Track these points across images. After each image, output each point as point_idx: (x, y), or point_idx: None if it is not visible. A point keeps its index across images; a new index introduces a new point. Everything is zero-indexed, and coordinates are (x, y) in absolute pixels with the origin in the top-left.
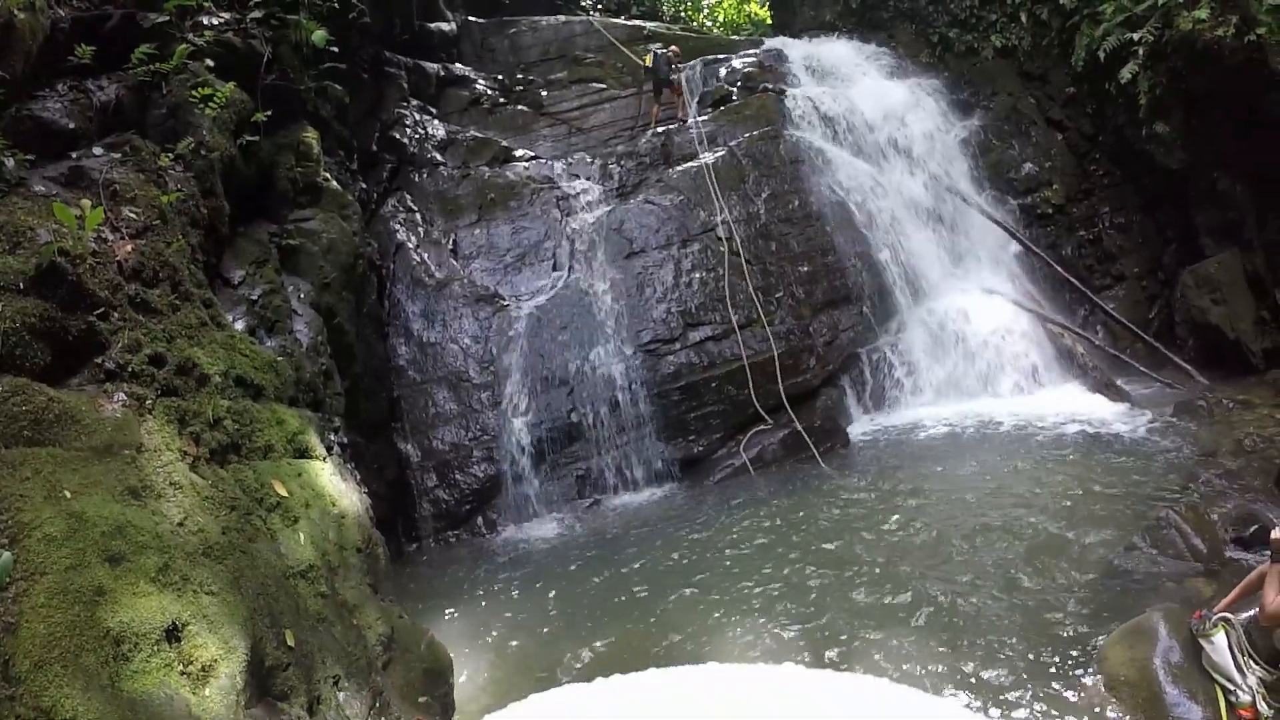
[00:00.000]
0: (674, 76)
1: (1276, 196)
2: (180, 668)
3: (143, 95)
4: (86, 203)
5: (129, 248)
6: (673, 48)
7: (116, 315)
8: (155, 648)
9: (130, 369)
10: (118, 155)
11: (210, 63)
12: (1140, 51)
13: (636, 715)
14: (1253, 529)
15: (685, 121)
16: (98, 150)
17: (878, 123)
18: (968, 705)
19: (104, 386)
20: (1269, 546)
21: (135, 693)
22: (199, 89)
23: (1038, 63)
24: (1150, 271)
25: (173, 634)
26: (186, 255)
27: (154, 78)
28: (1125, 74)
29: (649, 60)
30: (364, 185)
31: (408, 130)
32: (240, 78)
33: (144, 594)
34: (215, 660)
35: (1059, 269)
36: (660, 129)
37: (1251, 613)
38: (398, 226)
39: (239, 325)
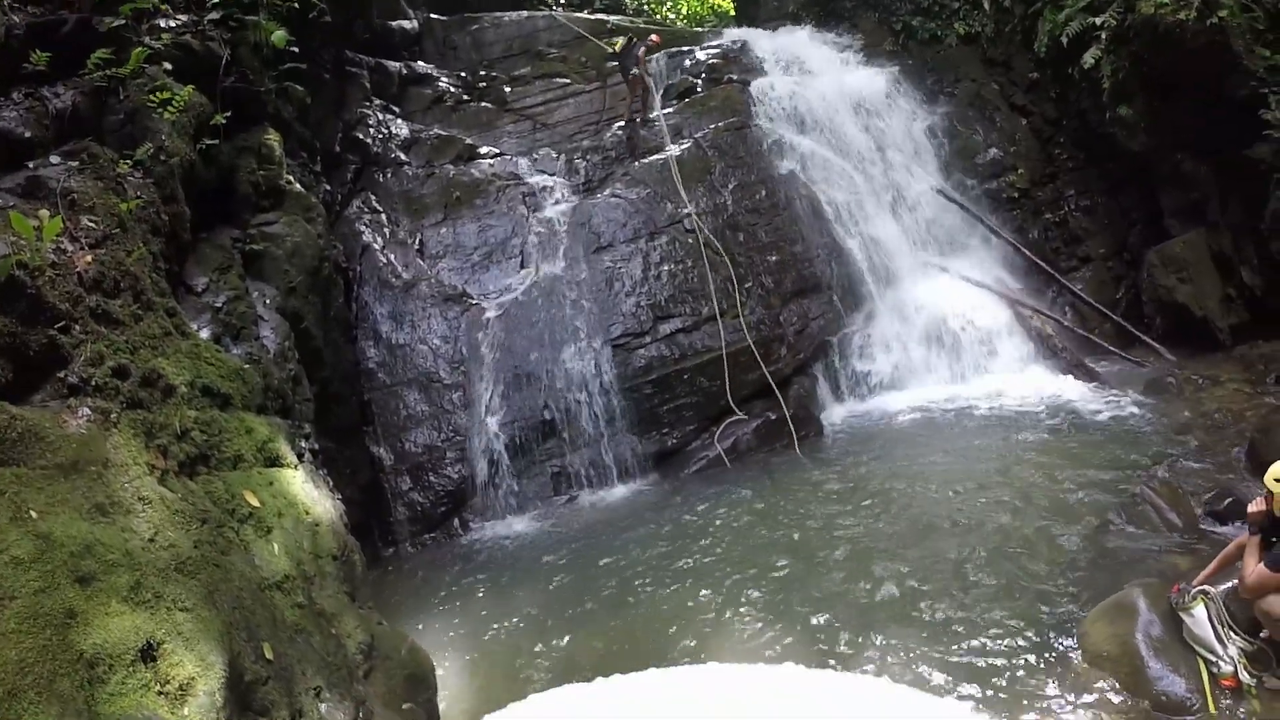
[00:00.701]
0: (634, 70)
1: (1239, 177)
2: (157, 688)
3: (100, 101)
4: (44, 213)
5: (89, 258)
6: (652, 37)
7: (78, 328)
8: (131, 668)
9: (94, 382)
10: (75, 163)
11: (168, 66)
12: (1103, 36)
13: (636, 715)
14: (1226, 502)
15: (638, 120)
16: (55, 159)
17: (843, 112)
18: (950, 685)
19: (67, 402)
20: (1246, 519)
21: (112, 716)
22: (157, 93)
23: (1001, 49)
24: (1116, 253)
25: (148, 653)
26: (148, 264)
27: (111, 83)
28: (1088, 59)
29: (618, 45)
30: (328, 187)
31: (371, 130)
32: (199, 81)
33: (116, 614)
34: (193, 678)
35: (1026, 252)
36: (624, 123)
37: (1230, 584)
38: (363, 228)
39: (204, 333)
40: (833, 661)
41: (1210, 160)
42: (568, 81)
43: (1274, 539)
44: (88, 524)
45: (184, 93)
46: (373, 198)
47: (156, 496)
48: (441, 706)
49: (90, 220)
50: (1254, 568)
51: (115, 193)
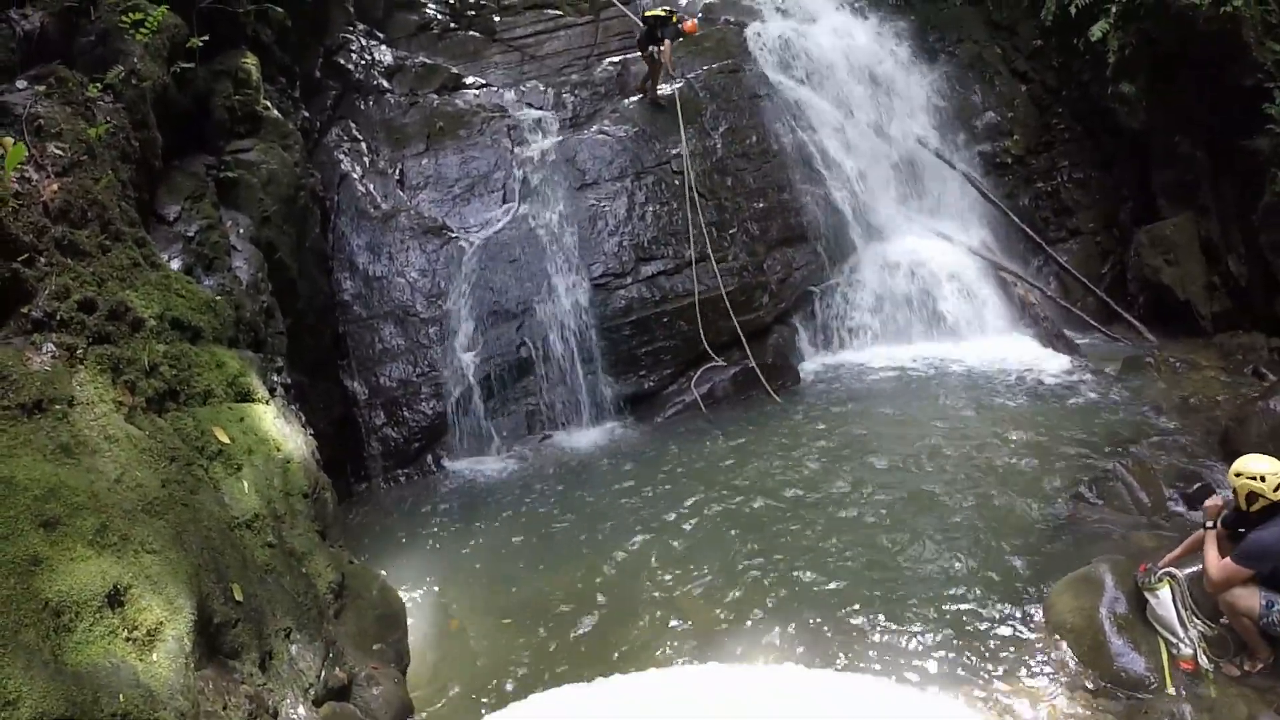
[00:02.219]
0: (658, 50)
1: (1235, 166)
2: (125, 634)
3: (69, 23)
4: (9, 140)
5: (55, 187)
6: (688, 24)
7: (43, 260)
8: (97, 615)
9: (59, 317)
10: (42, 88)
11: None
12: (1112, 10)
13: (636, 715)
14: (1196, 486)
15: (646, 95)
16: (21, 84)
17: (840, 62)
18: (911, 646)
19: (31, 338)
20: (1203, 512)
21: (80, 665)
22: (129, 14)
23: (1007, 13)
24: (1105, 228)
25: (115, 599)
26: (117, 192)
27: (81, 4)
28: (1095, 31)
29: (655, 15)
30: (306, 114)
31: (353, 56)
32: (174, 1)
33: (82, 559)
34: (161, 623)
35: (1015, 219)
36: (616, 59)
37: (1195, 568)
38: (342, 156)
39: (175, 264)
40: (783, 613)
41: (1207, 144)
42: (559, 13)
43: (1240, 530)
44: (52, 466)
45: (157, 14)
46: (353, 126)
47: (124, 435)
48: (411, 647)
49: (57, 147)
50: (1217, 562)
51: (84, 118)
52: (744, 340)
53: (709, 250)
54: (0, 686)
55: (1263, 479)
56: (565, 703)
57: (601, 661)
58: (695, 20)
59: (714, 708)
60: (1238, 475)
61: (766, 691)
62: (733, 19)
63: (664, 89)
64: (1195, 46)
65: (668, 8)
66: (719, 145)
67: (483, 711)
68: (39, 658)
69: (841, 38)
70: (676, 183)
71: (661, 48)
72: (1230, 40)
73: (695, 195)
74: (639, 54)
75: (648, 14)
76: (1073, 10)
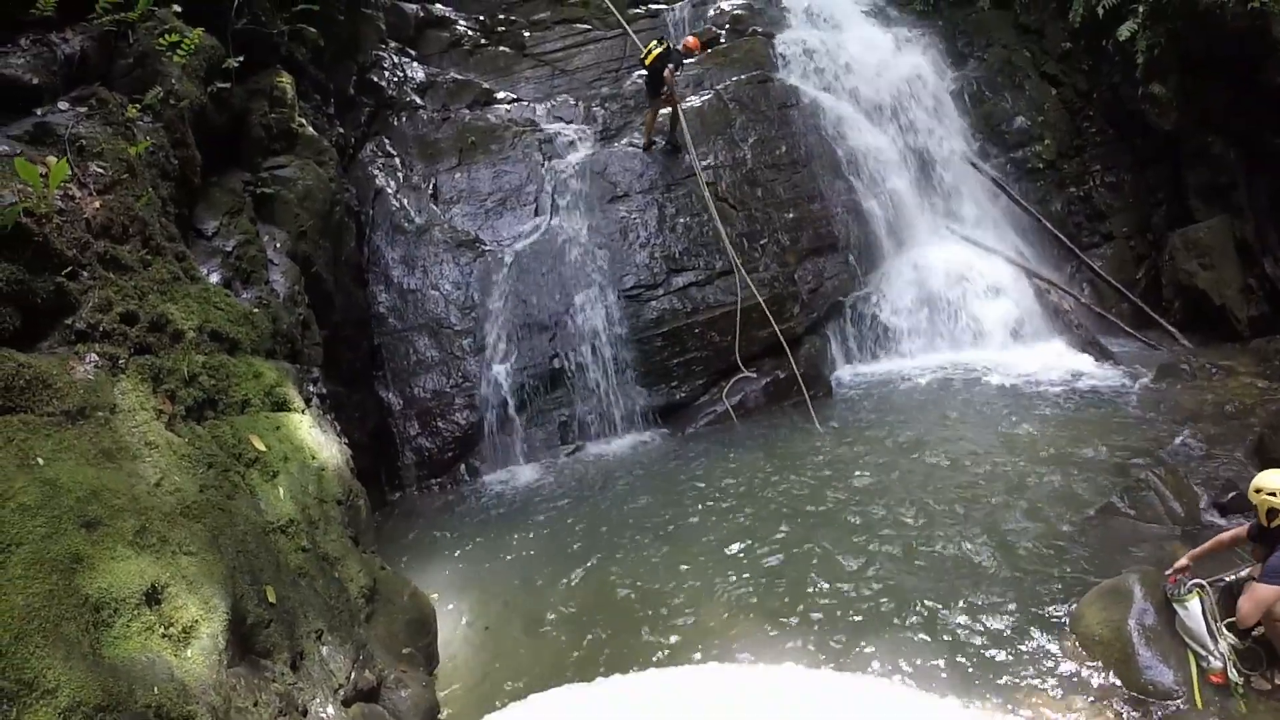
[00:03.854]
0: (665, 88)
1: (1269, 165)
2: (161, 630)
3: (108, 46)
4: (52, 159)
5: (97, 204)
6: (688, 40)
7: (86, 274)
8: (135, 612)
9: (101, 329)
10: (84, 109)
11: (178, 9)
12: (1140, 10)
13: (636, 715)
14: (1230, 495)
15: (656, 142)
16: (63, 105)
17: (869, 69)
18: (940, 657)
19: (75, 348)
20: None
21: (117, 659)
22: (167, 36)
23: (1034, 16)
24: (1139, 232)
25: (152, 597)
26: (157, 208)
27: (120, 27)
28: (1123, 32)
29: (652, 54)
30: (341, 130)
31: (386, 73)
32: (210, 23)
33: (122, 558)
34: (196, 621)
35: (1048, 225)
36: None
37: (1226, 579)
38: (376, 171)
39: (213, 278)
40: (826, 644)
41: (1240, 144)
42: (588, 27)
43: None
44: (94, 469)
45: (194, 35)
46: (386, 141)
47: (163, 441)
48: (441, 652)
49: (99, 166)
50: (1249, 604)
51: (124, 137)
52: (786, 347)
53: (741, 260)
54: (40, 676)
55: None
56: (565, 703)
57: (621, 666)
58: (694, 36)
59: (714, 708)
60: (1257, 491)
61: (766, 691)
62: (760, 29)
63: (692, 100)
64: (1224, 45)
65: (657, 41)
66: (748, 156)
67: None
68: (78, 650)
69: (870, 45)
70: (706, 194)
71: (665, 74)
72: (1259, 38)
73: (725, 207)
74: (649, 106)
75: (649, 61)
76: (1100, 11)
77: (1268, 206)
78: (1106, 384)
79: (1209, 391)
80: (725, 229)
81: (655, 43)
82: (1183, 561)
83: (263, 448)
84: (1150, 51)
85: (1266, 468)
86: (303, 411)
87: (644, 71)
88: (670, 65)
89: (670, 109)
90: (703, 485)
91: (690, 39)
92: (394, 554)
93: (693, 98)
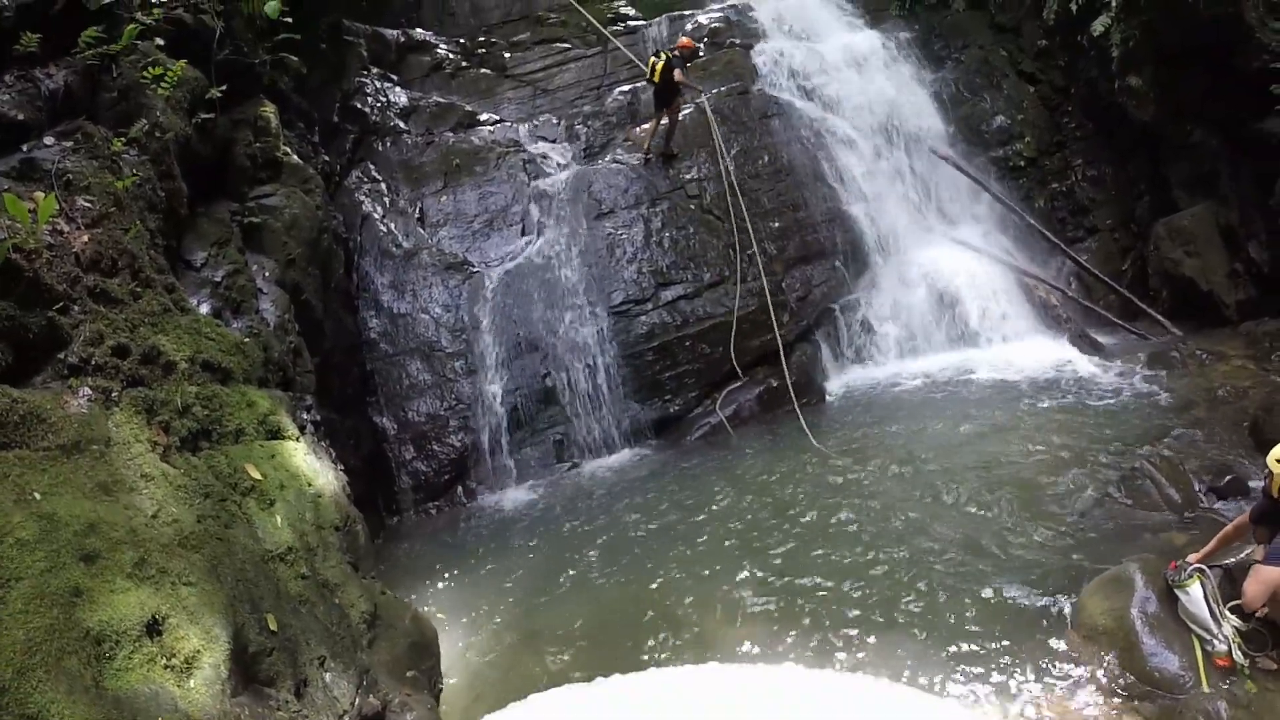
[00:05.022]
0: (680, 96)
1: (1250, 151)
2: (163, 662)
3: (92, 80)
4: (39, 194)
5: (85, 238)
6: (682, 41)
7: (77, 308)
8: (137, 644)
9: (94, 362)
10: (69, 144)
11: (160, 41)
12: (1113, 4)
13: (636, 715)
14: (1226, 479)
15: (650, 157)
16: (49, 140)
17: (846, 77)
18: (945, 654)
19: (68, 382)
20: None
21: (120, 691)
22: (150, 69)
23: (1009, 15)
24: (1123, 224)
25: (153, 628)
26: (145, 241)
27: (103, 61)
28: (1097, 26)
29: (657, 69)
30: (326, 157)
31: (369, 99)
32: (192, 55)
33: (122, 590)
34: (198, 651)
35: (1032, 221)
36: (626, 89)
37: (1227, 562)
38: (363, 197)
39: (203, 308)
40: (830, 644)
41: (1220, 132)
42: (568, 46)
43: (1270, 518)
44: (91, 503)
45: (177, 68)
46: (372, 167)
47: (159, 473)
48: (444, 674)
49: (86, 200)
50: (1255, 586)
51: (111, 171)
52: (782, 352)
53: (729, 271)
54: (43, 710)
55: None
56: (565, 703)
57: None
58: (686, 37)
59: (714, 708)
60: (1278, 461)
61: (766, 691)
62: (739, 40)
63: (688, 109)
64: (1199, 33)
65: (656, 54)
66: (731, 167)
67: None
68: (80, 683)
69: (846, 52)
70: (692, 207)
71: (677, 79)
72: (1234, 23)
73: (711, 219)
74: (654, 116)
75: (657, 75)
76: (1074, 7)
77: (1251, 191)
78: (1097, 376)
79: (1200, 377)
80: (712, 241)
81: (654, 57)
82: (1192, 559)
83: (258, 476)
84: (1125, 44)
85: (1262, 450)
86: (297, 439)
87: (649, 85)
88: (678, 69)
89: (671, 122)
90: (699, 498)
91: (684, 39)
92: (394, 578)
93: (663, 50)
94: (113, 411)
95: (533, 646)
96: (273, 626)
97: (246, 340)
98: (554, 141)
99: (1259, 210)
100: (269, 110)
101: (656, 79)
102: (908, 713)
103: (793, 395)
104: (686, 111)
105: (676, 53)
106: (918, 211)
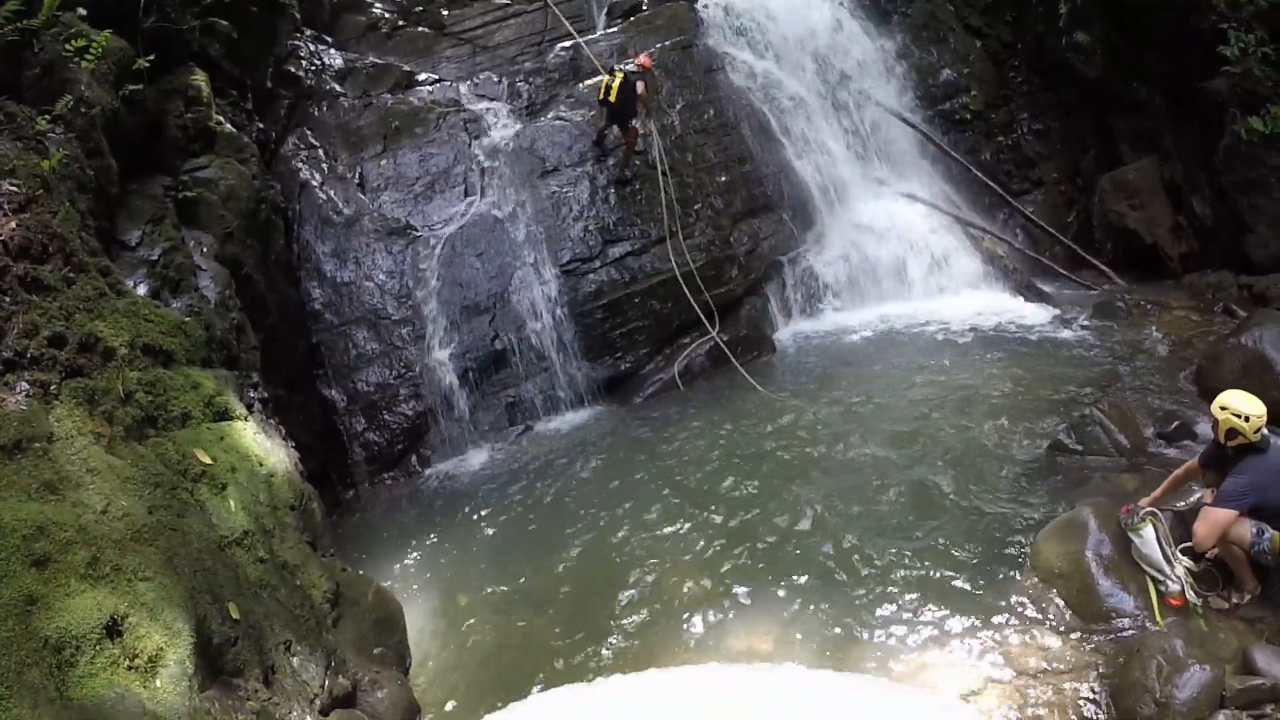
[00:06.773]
0: (635, 119)
1: (1195, 108)
2: (126, 663)
3: (14, 57)
4: None
5: (13, 224)
6: (642, 59)
7: (8, 299)
8: (98, 647)
9: (29, 355)
10: None
11: (83, 12)
12: None
13: (636, 715)
14: (1174, 425)
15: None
16: None
17: (792, 29)
18: (904, 600)
19: (4, 378)
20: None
21: (86, 698)
22: (73, 41)
23: None
24: (1069, 177)
25: (113, 629)
26: (76, 223)
27: (24, 36)
28: None
29: (614, 89)
30: (261, 125)
31: (303, 62)
32: (117, 24)
33: (77, 593)
34: (161, 648)
35: (978, 173)
36: (568, 44)
37: (1178, 505)
38: (300, 165)
39: (141, 290)
40: (779, 589)
41: (1165, 89)
42: (507, 2)
43: (1218, 463)
44: (38, 504)
45: (101, 38)
46: (309, 133)
47: (106, 466)
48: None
49: (11, 184)
50: (1204, 527)
51: (36, 151)
52: (715, 313)
53: (676, 226)
54: None
55: (1246, 419)
56: (565, 703)
57: (592, 647)
58: (646, 55)
59: (714, 708)
60: (1223, 409)
61: (766, 691)
62: None
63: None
64: None
65: (609, 73)
66: (676, 122)
67: (485, 705)
68: (44, 695)
69: (792, 6)
70: (637, 163)
71: (640, 93)
72: None
73: (655, 174)
74: (607, 132)
75: (609, 95)
76: None
77: (1195, 147)
78: (1044, 325)
79: (1145, 327)
80: (658, 196)
81: (608, 75)
82: (1144, 503)
83: (208, 460)
84: (1073, 1)
85: (1206, 397)
86: (245, 419)
87: (603, 107)
88: (642, 82)
89: (628, 143)
90: (652, 454)
91: (643, 58)
92: (353, 553)
93: (617, 68)
94: (53, 405)
95: (495, 616)
96: (235, 615)
97: (187, 320)
98: (495, 100)
99: (1202, 165)
100: (200, 78)
101: (613, 98)
102: (907, 713)
103: (725, 349)
104: (629, 68)
105: (635, 68)
106: (865, 164)
